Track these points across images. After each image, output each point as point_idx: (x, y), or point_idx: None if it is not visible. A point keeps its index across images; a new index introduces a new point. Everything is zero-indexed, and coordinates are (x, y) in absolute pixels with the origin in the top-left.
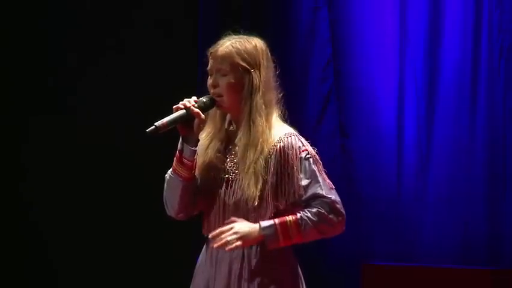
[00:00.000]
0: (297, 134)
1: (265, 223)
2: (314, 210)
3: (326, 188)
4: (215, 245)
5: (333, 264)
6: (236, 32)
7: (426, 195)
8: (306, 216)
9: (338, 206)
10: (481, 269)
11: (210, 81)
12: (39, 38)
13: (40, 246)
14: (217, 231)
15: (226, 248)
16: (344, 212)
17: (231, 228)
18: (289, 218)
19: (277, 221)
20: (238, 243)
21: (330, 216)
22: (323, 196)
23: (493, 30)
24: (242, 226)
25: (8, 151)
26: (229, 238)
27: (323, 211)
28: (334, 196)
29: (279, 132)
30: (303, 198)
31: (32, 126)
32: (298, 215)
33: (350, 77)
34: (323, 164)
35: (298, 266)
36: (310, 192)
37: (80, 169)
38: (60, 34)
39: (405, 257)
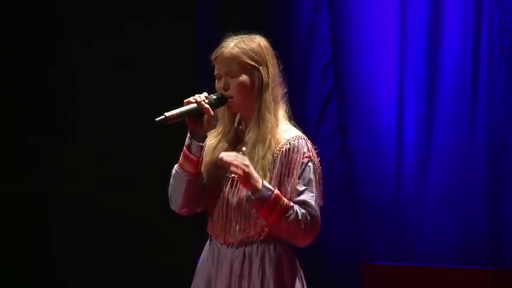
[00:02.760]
0: (306, 138)
1: (268, 185)
2: (303, 211)
3: (316, 202)
4: (223, 156)
5: (333, 264)
6: (236, 32)
7: (426, 195)
8: (296, 210)
9: (317, 221)
10: (481, 269)
11: (219, 84)
12: (35, 31)
13: (42, 243)
14: (234, 153)
15: (231, 168)
16: (318, 230)
17: (245, 160)
18: (284, 199)
19: (276, 191)
20: (241, 173)
21: (309, 225)
22: (311, 207)
23: (493, 30)
24: (253, 169)
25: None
26: (238, 163)
27: (307, 218)
28: (319, 213)
29: (288, 134)
30: (294, 200)
31: (36, 133)
32: (291, 204)
33: (350, 77)
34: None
35: (300, 267)
36: (302, 197)
37: (81, 169)
38: (59, 34)
39: (405, 257)
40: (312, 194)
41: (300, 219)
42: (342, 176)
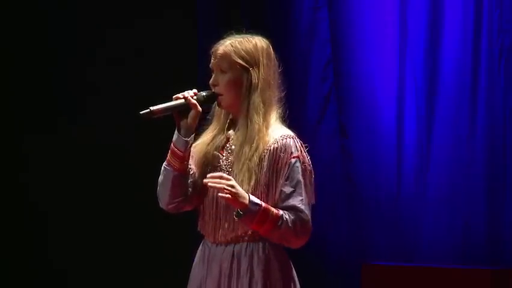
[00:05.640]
0: (295, 137)
1: (255, 199)
2: (293, 217)
3: (305, 204)
4: (207, 182)
5: (333, 264)
6: (239, 31)
7: (426, 195)
8: (286, 218)
9: (309, 225)
10: (481, 269)
11: (211, 79)
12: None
13: (40, 242)
14: (218, 174)
15: (218, 194)
16: (310, 232)
17: (230, 180)
18: (273, 210)
19: (263, 205)
20: (228, 196)
21: (300, 231)
22: (301, 211)
23: (493, 30)
24: (238, 186)
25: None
26: (224, 186)
27: (298, 223)
28: (309, 215)
29: (277, 133)
30: (282, 204)
31: (32, 125)
32: (281, 213)
33: (350, 77)
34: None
35: (292, 266)
36: (291, 202)
37: (79, 168)
38: (59, 33)
39: (405, 257)
40: (301, 198)
41: (291, 226)
42: (342, 176)
